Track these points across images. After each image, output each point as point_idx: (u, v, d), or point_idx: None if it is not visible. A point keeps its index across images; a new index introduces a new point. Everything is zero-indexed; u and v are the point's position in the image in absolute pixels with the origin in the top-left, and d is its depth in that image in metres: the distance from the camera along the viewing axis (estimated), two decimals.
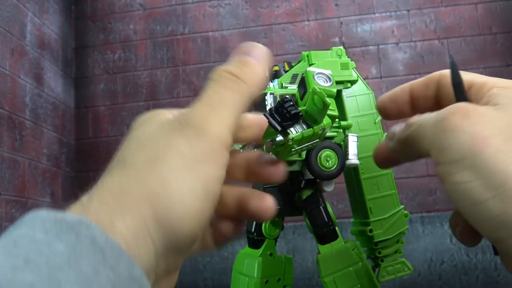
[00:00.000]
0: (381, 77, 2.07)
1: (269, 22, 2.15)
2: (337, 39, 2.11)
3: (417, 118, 0.28)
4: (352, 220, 0.54)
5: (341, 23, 2.13)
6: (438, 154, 0.25)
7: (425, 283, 1.80)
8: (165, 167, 0.22)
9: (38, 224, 0.19)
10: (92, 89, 2.20)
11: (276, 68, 0.52)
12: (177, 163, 0.23)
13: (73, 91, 2.20)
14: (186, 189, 0.22)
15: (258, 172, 0.28)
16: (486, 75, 0.30)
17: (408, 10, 2.10)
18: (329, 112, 0.34)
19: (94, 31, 2.24)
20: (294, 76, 0.49)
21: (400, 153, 0.30)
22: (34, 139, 1.82)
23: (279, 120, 0.27)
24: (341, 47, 0.53)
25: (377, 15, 2.12)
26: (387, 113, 0.34)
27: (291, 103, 0.27)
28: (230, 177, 0.28)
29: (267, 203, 0.27)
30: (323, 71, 0.38)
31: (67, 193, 2.07)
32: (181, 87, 2.13)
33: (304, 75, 0.37)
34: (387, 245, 0.50)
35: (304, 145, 0.31)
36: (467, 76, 0.30)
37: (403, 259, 0.51)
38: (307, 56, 0.52)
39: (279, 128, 0.27)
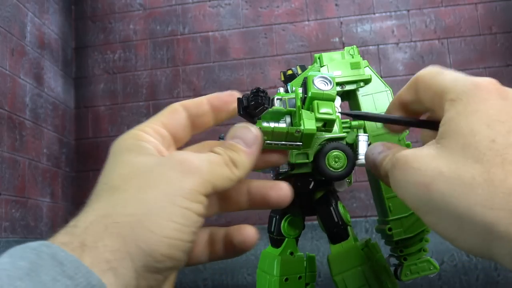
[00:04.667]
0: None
1: (269, 22, 2.15)
2: (337, 39, 2.11)
3: (385, 159, 0.30)
4: (374, 218, 0.53)
5: (341, 23, 2.13)
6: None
7: (425, 283, 1.80)
8: (153, 196, 0.25)
9: (5, 254, 0.22)
10: (92, 89, 2.20)
11: (290, 72, 0.52)
12: (165, 194, 0.25)
13: (73, 91, 2.20)
14: (168, 220, 0.24)
15: (263, 199, 0.32)
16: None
17: (408, 10, 2.10)
18: (325, 116, 0.35)
19: (94, 31, 2.24)
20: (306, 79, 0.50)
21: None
22: (34, 139, 1.83)
23: (244, 105, 0.30)
24: (354, 46, 0.53)
25: (377, 15, 2.12)
26: (394, 130, 0.35)
27: (262, 94, 0.29)
28: (234, 207, 0.32)
29: (285, 191, 0.31)
30: (325, 74, 0.38)
31: (67, 193, 2.07)
32: (181, 87, 2.13)
33: (305, 80, 0.38)
34: (409, 244, 0.49)
35: (281, 143, 0.33)
36: (434, 80, 0.29)
37: (428, 257, 0.50)
38: (319, 58, 0.52)
39: (241, 112, 0.31)
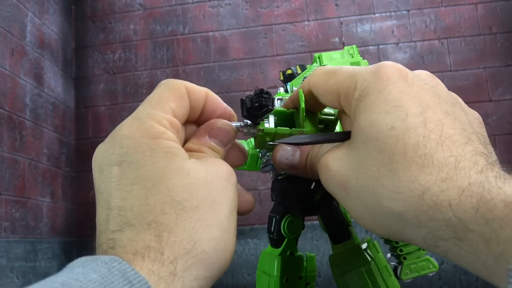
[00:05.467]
0: None
1: (269, 22, 2.15)
2: (337, 39, 2.11)
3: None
4: None
5: (341, 23, 2.13)
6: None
7: (425, 283, 1.80)
8: (223, 214, 0.26)
9: (76, 263, 0.22)
10: (92, 89, 2.20)
11: (289, 71, 0.52)
12: (229, 210, 0.26)
13: (73, 91, 2.20)
14: (230, 235, 0.26)
15: None
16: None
17: (408, 10, 2.10)
18: (327, 117, 0.35)
19: (94, 31, 2.24)
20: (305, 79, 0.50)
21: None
22: (34, 139, 1.83)
23: (248, 106, 0.29)
24: (354, 46, 0.53)
25: (377, 15, 2.12)
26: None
27: (266, 96, 0.29)
28: None
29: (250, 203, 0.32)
30: None
31: (67, 193, 2.07)
32: None
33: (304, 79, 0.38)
34: (408, 243, 0.50)
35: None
36: (330, 82, 0.28)
37: (427, 256, 0.50)
38: (319, 57, 0.52)
39: (245, 113, 0.30)
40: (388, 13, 2.11)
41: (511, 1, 2.06)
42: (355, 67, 0.28)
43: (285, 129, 0.32)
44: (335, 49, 2.35)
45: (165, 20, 2.21)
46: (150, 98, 0.27)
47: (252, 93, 0.31)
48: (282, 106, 0.33)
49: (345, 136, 0.28)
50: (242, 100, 0.31)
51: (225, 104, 0.31)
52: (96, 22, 2.25)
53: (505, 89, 2.00)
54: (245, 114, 0.31)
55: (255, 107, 0.30)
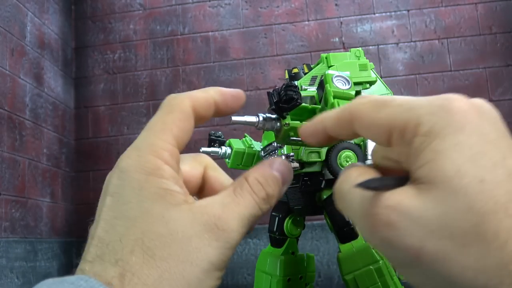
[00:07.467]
0: (381, 77, 2.07)
1: (269, 22, 2.15)
2: (337, 39, 2.11)
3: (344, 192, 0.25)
4: None
5: (341, 23, 2.13)
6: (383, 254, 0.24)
7: None
8: (195, 275, 0.23)
9: (43, 287, 0.21)
10: (92, 89, 2.20)
11: (296, 70, 0.52)
12: (203, 272, 0.24)
13: (73, 91, 2.20)
14: None
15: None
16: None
17: (408, 10, 2.10)
18: None
19: (94, 31, 2.24)
20: (313, 78, 0.50)
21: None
22: (34, 139, 1.83)
23: (276, 99, 0.29)
24: (360, 49, 0.53)
25: (377, 15, 2.12)
26: (311, 144, 0.30)
27: (294, 89, 0.29)
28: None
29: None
30: (342, 73, 0.38)
31: (67, 193, 2.07)
32: (181, 87, 2.13)
33: (322, 78, 0.38)
34: None
35: None
36: (381, 115, 0.24)
37: None
38: (326, 58, 0.52)
39: (273, 106, 0.30)
40: (388, 13, 2.11)
41: (511, 1, 2.06)
42: (409, 98, 0.23)
43: None
44: (335, 49, 2.34)
45: (165, 20, 2.21)
46: (152, 124, 0.26)
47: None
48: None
49: (400, 182, 0.23)
50: (269, 93, 0.30)
51: (234, 92, 0.29)
52: (96, 22, 2.25)
53: (505, 89, 2.00)
54: (273, 107, 0.30)
55: (284, 100, 0.29)
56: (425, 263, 0.21)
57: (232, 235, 0.24)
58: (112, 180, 0.25)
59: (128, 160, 0.25)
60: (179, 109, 0.26)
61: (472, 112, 0.22)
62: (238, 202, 0.25)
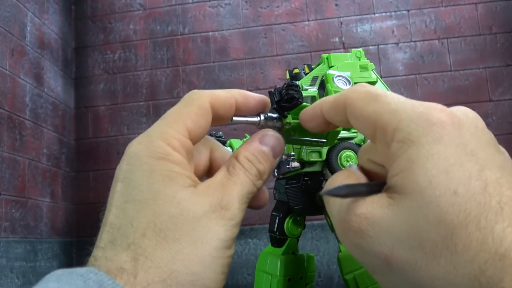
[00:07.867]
0: (381, 77, 2.07)
1: (269, 22, 2.15)
2: (337, 39, 2.11)
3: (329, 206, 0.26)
4: None
5: (341, 23, 2.13)
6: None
7: None
8: (208, 253, 0.24)
9: (52, 277, 0.21)
10: (92, 89, 2.20)
11: (297, 70, 0.52)
12: (215, 249, 0.24)
13: (73, 91, 2.20)
14: (217, 273, 0.24)
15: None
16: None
17: (408, 10, 2.10)
18: None
19: (94, 31, 2.24)
20: (314, 78, 0.50)
21: None
22: (34, 139, 1.83)
23: (277, 99, 0.29)
24: (360, 49, 0.53)
25: (377, 15, 2.12)
26: (309, 128, 0.30)
27: (296, 88, 0.29)
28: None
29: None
30: (342, 74, 0.38)
31: (67, 193, 2.07)
32: (181, 87, 2.13)
33: (324, 78, 0.38)
34: None
35: (307, 139, 0.32)
36: (370, 109, 0.24)
37: None
38: (327, 58, 0.52)
39: (274, 105, 0.30)
40: (388, 13, 2.11)
41: (511, 1, 2.06)
42: (399, 98, 0.24)
43: None
44: (335, 49, 2.34)
45: (165, 20, 2.21)
46: (168, 113, 0.27)
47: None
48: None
49: (375, 189, 0.23)
50: (270, 92, 0.30)
51: (257, 97, 0.29)
52: (96, 22, 2.25)
53: (505, 89, 2.00)
54: (274, 106, 0.30)
55: (285, 99, 0.29)
56: (395, 270, 0.21)
57: (235, 212, 0.25)
58: (122, 166, 0.26)
59: (139, 145, 0.25)
60: (197, 103, 0.27)
61: (451, 123, 0.22)
62: (235, 181, 0.26)
